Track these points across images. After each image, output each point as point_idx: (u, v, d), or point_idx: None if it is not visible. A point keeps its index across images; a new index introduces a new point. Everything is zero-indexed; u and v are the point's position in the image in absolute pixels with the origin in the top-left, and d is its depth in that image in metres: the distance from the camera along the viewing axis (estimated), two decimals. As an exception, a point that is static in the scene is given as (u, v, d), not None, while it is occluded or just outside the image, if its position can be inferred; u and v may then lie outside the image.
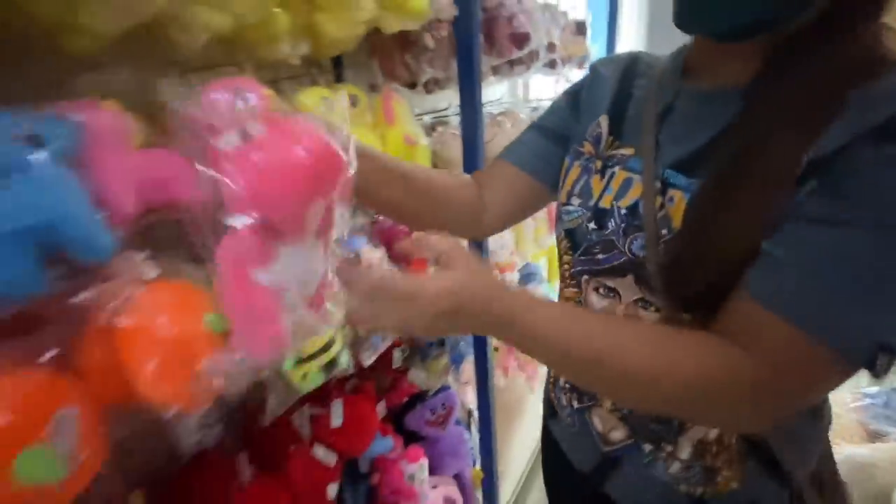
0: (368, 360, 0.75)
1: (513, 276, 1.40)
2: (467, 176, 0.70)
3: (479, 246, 0.98)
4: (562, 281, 0.59)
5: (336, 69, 1.01)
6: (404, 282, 0.40)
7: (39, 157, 0.42)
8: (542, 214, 1.64)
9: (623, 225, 0.48)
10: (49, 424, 0.43)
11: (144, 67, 0.66)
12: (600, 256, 0.51)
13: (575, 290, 0.55)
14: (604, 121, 0.55)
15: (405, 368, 1.11)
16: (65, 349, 0.47)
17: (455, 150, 1.03)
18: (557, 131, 0.62)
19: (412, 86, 1.09)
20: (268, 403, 0.62)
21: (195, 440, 0.49)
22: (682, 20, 0.43)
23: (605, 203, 0.50)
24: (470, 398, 1.31)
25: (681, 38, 0.52)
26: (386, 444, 0.94)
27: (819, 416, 0.51)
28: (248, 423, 0.82)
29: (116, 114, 0.52)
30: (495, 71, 1.17)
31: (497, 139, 1.15)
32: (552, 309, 0.42)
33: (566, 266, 0.57)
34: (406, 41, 0.99)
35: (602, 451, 0.56)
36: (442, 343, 1.29)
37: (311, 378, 0.63)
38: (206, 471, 0.72)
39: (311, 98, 0.73)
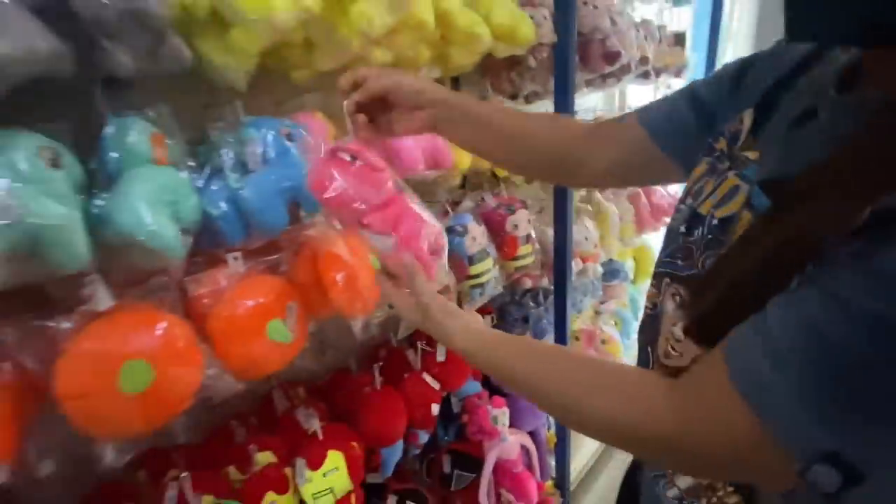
0: (469, 309, 0.97)
1: (596, 269, 1.53)
2: (577, 124, 0.66)
3: (563, 234, 1.14)
4: (651, 278, 0.53)
5: (454, 85, 1.26)
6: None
7: (292, 147, 0.70)
8: (629, 216, 1.75)
9: (708, 237, 0.43)
10: (285, 307, 0.70)
11: (334, 91, 0.95)
12: (680, 263, 0.46)
13: (655, 290, 0.50)
14: (748, 116, 0.45)
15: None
16: (291, 266, 0.75)
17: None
18: (708, 106, 0.52)
19: (514, 97, 1.30)
20: (400, 325, 0.86)
21: (363, 336, 0.75)
22: (791, 28, 0.34)
23: (702, 208, 0.45)
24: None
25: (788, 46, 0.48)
26: (476, 386, 1.15)
27: None
28: (377, 348, 1.09)
29: (322, 121, 0.80)
30: (588, 83, 1.34)
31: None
32: (488, 338, 0.50)
33: (656, 263, 0.52)
34: (512, 61, 1.20)
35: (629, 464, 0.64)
36: (525, 320, 1.48)
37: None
38: (350, 378, 1.00)
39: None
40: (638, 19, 1.55)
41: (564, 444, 1.39)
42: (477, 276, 0.95)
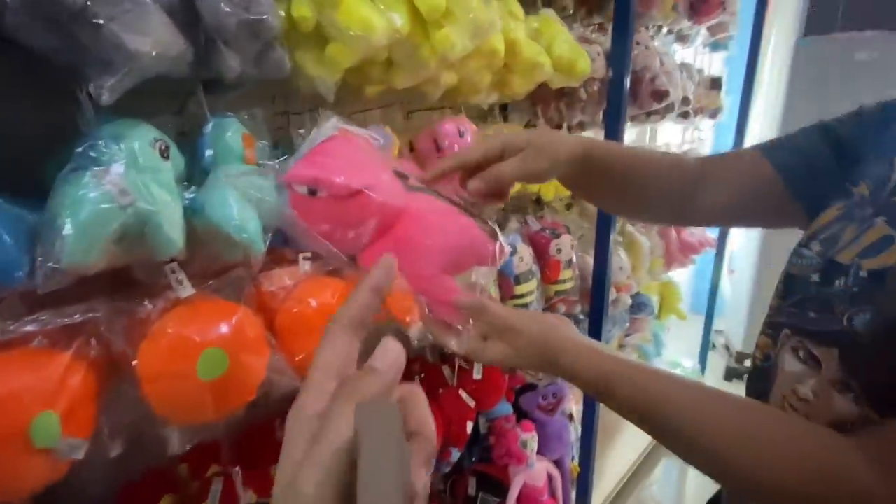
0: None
1: (626, 300, 1.54)
2: (688, 161, 0.60)
3: (603, 263, 1.16)
4: (763, 325, 0.49)
5: (503, 112, 1.30)
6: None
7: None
8: (659, 250, 1.76)
9: (854, 289, 0.39)
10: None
11: (399, 107, 1.00)
12: (812, 315, 0.42)
13: (769, 340, 0.47)
14: None
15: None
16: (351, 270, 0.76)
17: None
18: (849, 147, 0.48)
19: (559, 126, 1.34)
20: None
21: (417, 343, 0.76)
22: None
23: (843, 258, 0.41)
24: (571, 403, 1.46)
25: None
26: (507, 408, 1.14)
27: None
28: (411, 362, 1.10)
29: (390, 134, 0.83)
30: (633, 119, 1.37)
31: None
32: (637, 374, 0.44)
33: (770, 311, 0.48)
34: (560, 92, 1.24)
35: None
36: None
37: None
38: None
39: (492, 133, 1.01)
40: (678, 61, 1.60)
41: (587, 476, 1.37)
42: (521, 296, 0.97)
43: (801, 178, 0.51)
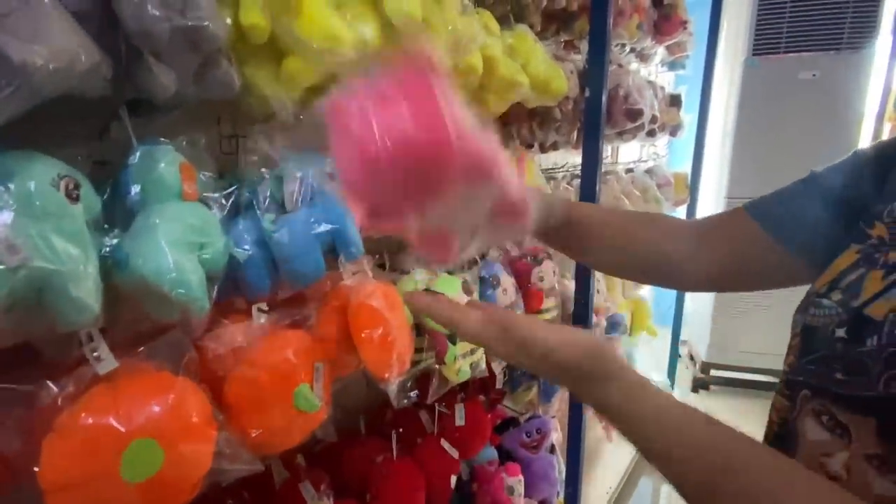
0: (497, 367, 0.89)
1: (602, 323, 1.50)
2: (685, 224, 0.61)
3: (586, 290, 1.10)
4: (779, 385, 0.45)
5: (474, 130, 1.23)
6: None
7: (331, 188, 0.63)
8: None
9: (892, 349, 0.35)
10: (313, 369, 0.61)
11: None
12: (840, 377, 0.37)
13: (787, 402, 0.42)
14: None
15: (504, 392, 1.24)
16: (318, 319, 0.66)
17: (567, 196, 1.20)
18: (840, 193, 0.47)
19: (530, 146, 1.29)
20: (431, 387, 0.78)
21: (399, 403, 0.66)
22: None
23: (874, 311, 0.37)
24: (554, 435, 1.39)
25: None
26: (491, 452, 1.05)
27: None
28: (383, 408, 0.99)
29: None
30: (605, 138, 1.35)
31: (604, 193, 1.32)
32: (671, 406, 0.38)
33: (787, 367, 0.43)
34: (532, 112, 1.19)
35: None
36: (533, 376, 1.40)
37: (462, 373, 0.79)
38: (358, 443, 0.89)
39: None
40: (645, 78, 1.60)
41: (573, 512, 1.29)
42: (506, 331, 0.89)
43: (790, 229, 0.50)
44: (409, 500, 0.80)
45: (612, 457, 1.86)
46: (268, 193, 0.61)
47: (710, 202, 2.48)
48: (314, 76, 0.56)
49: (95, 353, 0.46)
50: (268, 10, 0.51)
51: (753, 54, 2.23)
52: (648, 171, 1.79)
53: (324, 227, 0.61)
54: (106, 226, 0.49)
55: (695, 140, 2.17)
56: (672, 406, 0.37)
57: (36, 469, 0.41)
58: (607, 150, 1.93)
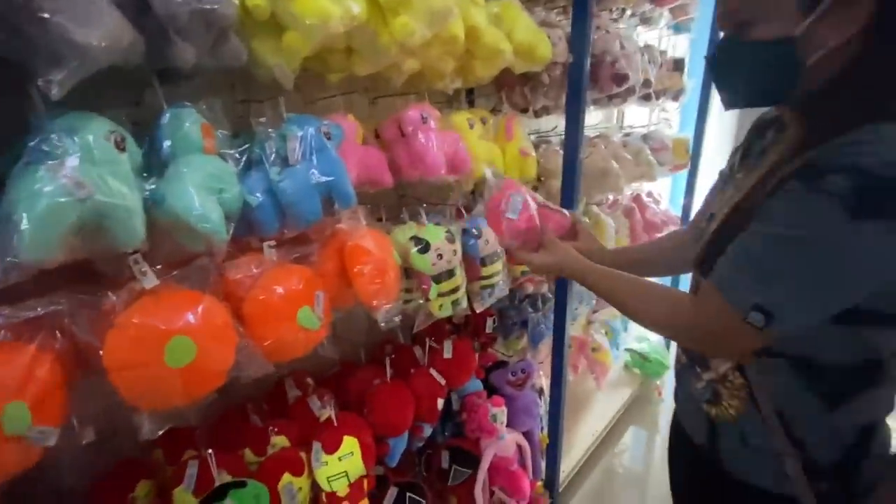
0: (478, 308, 1.01)
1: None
2: (680, 232, 0.95)
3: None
4: None
5: (468, 97, 1.31)
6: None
7: (329, 144, 0.74)
8: (624, 229, 1.82)
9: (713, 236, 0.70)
10: (314, 296, 0.73)
11: (365, 93, 1.00)
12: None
13: None
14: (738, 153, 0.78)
15: (494, 336, 1.36)
16: (319, 256, 0.79)
17: (556, 162, 1.28)
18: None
19: (525, 110, 1.36)
20: (417, 320, 0.90)
21: (386, 325, 0.79)
22: (723, 102, 0.66)
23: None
24: (539, 377, 1.52)
25: None
26: (477, 384, 1.19)
27: (841, 407, 0.60)
28: (383, 344, 1.13)
29: (352, 122, 0.84)
30: (595, 102, 1.41)
31: (591, 157, 1.38)
32: (600, 274, 0.80)
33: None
34: (525, 77, 1.26)
35: (675, 369, 0.82)
36: (524, 324, 1.53)
37: (444, 309, 0.91)
38: (358, 370, 1.03)
39: (459, 118, 1.03)
40: (641, 44, 1.63)
41: (556, 446, 1.44)
42: (488, 276, 1.00)
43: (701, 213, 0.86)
44: (400, 414, 0.95)
45: (600, 405, 2.00)
46: (274, 150, 0.72)
47: (715, 168, 2.49)
48: (309, 47, 0.66)
49: (142, 272, 0.60)
50: (268, -8, 0.61)
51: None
52: (645, 136, 1.84)
53: (322, 179, 0.72)
54: (145, 174, 0.62)
55: (698, 104, 2.18)
56: (607, 277, 0.79)
57: (101, 353, 0.55)
58: (604, 115, 1.98)
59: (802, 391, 0.62)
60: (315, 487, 0.85)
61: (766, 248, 0.55)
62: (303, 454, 0.83)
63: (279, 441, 0.84)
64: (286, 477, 0.78)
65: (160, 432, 0.62)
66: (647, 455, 2.01)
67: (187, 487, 0.74)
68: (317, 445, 0.82)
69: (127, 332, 0.56)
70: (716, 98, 2.35)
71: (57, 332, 0.56)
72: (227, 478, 0.76)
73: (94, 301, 0.58)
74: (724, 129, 2.46)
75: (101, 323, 0.57)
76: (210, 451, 0.73)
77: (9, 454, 0.48)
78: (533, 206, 1.00)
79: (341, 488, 0.82)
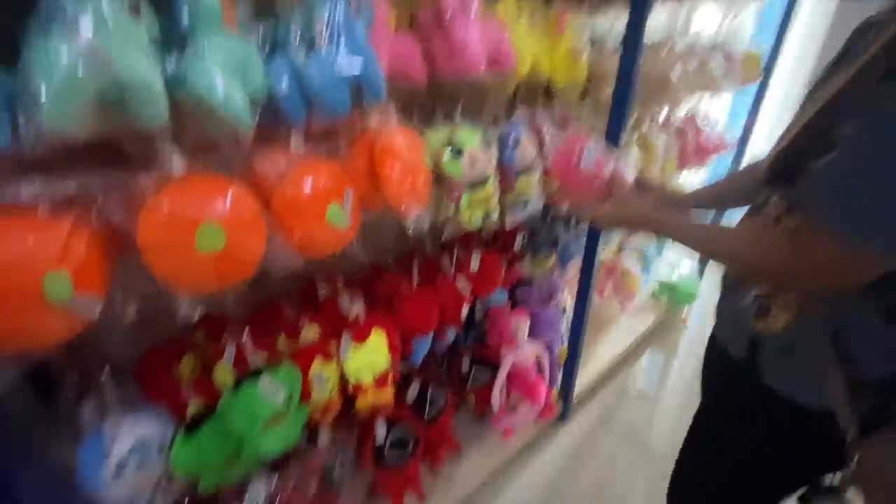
0: (510, 223, 0.98)
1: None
2: (757, 165, 0.82)
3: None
4: None
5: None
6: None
7: (359, 23, 0.67)
8: (673, 151, 1.68)
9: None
10: (343, 193, 0.71)
11: None
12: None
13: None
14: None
15: (523, 252, 1.35)
16: (348, 153, 0.75)
17: (610, 66, 1.15)
18: None
19: (581, 1, 1.20)
20: (445, 230, 0.88)
21: (414, 232, 0.77)
22: None
23: None
24: (564, 295, 1.52)
25: None
26: (502, 296, 1.20)
27: None
28: (412, 253, 1.13)
29: (385, 5, 0.76)
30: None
31: (649, 63, 1.24)
32: (675, 225, 0.74)
33: None
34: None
35: (722, 283, 0.80)
36: (554, 243, 1.49)
37: (474, 220, 0.88)
38: (387, 274, 1.05)
39: (508, 7, 0.91)
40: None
41: (574, 360, 1.47)
42: (523, 190, 0.95)
43: None
44: (425, 315, 0.97)
45: (623, 327, 2.02)
46: (299, 32, 0.66)
47: (789, 87, 2.22)
48: None
49: (168, 156, 0.59)
50: None
51: None
52: (712, 47, 1.62)
53: (351, 66, 0.67)
54: (165, 49, 0.58)
55: (783, 13, 1.89)
56: (685, 227, 0.74)
57: (136, 232, 0.56)
58: (669, 13, 1.74)
59: (865, 304, 0.58)
60: (343, 380, 0.90)
61: (880, 160, 0.48)
62: (332, 347, 0.86)
63: (311, 329, 0.87)
64: (317, 362, 0.82)
65: (196, 317, 0.65)
66: (661, 378, 2.05)
67: (227, 361, 0.79)
68: (346, 335, 0.85)
69: (158, 215, 0.57)
70: (803, 4, 2.02)
71: (90, 210, 0.57)
72: (263, 356, 0.81)
73: (124, 182, 0.58)
74: (806, 44, 2.16)
75: (133, 204, 0.57)
76: (246, 332, 0.77)
77: (54, 322, 0.51)
78: (604, 159, 0.97)
79: (367, 380, 0.87)
